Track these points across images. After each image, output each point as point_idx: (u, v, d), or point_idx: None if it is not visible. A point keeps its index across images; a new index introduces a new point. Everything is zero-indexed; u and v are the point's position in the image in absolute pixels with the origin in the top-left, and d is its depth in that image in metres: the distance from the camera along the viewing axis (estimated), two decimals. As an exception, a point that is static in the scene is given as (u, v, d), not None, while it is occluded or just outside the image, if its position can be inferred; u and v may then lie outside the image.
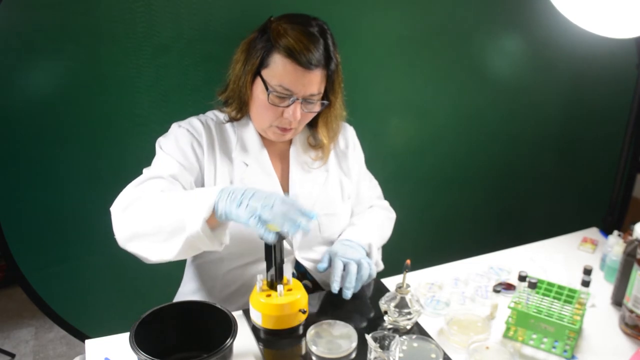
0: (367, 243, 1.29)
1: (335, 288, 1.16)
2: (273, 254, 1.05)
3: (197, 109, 1.29)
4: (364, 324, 1.13)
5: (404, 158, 1.86)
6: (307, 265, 1.29)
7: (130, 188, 1.11)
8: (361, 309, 1.19)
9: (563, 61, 1.92)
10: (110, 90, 1.42)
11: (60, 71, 1.38)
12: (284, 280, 1.08)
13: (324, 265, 1.21)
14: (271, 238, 0.95)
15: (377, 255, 1.33)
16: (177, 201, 1.01)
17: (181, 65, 1.44)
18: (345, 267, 1.18)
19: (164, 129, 1.24)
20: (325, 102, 1.20)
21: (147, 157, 1.21)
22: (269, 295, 1.06)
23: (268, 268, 1.07)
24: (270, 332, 1.07)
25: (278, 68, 1.12)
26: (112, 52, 1.38)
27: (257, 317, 1.07)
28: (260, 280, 1.08)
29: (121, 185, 1.13)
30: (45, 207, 1.48)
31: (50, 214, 1.49)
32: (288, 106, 1.15)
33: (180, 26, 1.40)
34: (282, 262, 1.07)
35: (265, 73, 1.14)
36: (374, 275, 1.23)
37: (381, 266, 1.33)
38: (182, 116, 1.26)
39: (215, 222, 0.99)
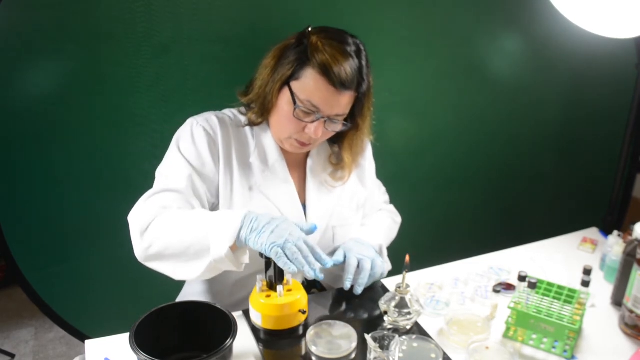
0: (378, 244, 1.29)
1: (347, 285, 1.17)
2: None
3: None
4: (364, 324, 1.13)
5: (404, 158, 1.86)
6: None
7: (146, 200, 1.10)
8: (361, 309, 1.19)
9: (563, 61, 1.92)
10: (110, 90, 1.42)
11: (60, 71, 1.37)
12: (284, 281, 1.08)
13: (340, 259, 1.20)
14: (293, 269, 0.99)
15: (386, 256, 1.34)
16: (201, 225, 1.03)
17: (181, 65, 1.44)
18: (359, 264, 1.19)
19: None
20: (348, 124, 1.18)
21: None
22: (268, 296, 1.06)
23: (267, 269, 1.08)
24: (270, 333, 1.07)
25: (310, 83, 1.09)
26: (112, 52, 1.38)
27: (257, 318, 1.07)
28: (260, 280, 1.08)
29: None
30: (45, 207, 1.47)
31: (50, 214, 1.48)
32: (312, 122, 1.13)
33: (180, 26, 1.40)
34: None
35: (294, 85, 1.11)
36: (385, 274, 1.24)
37: (390, 266, 1.34)
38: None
39: (236, 246, 1.02)
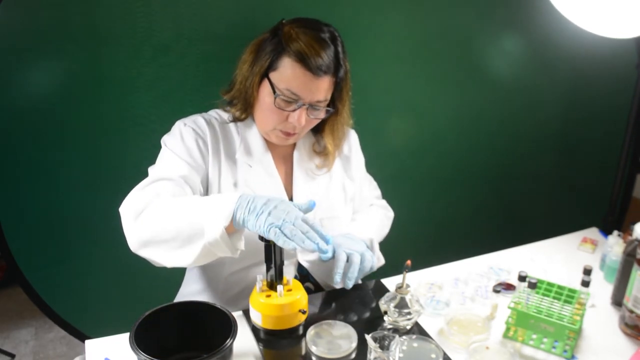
0: (369, 238, 1.29)
1: (337, 279, 1.16)
2: (273, 255, 1.05)
3: (197, 109, 1.29)
4: (364, 324, 1.13)
5: (404, 158, 1.86)
6: (310, 267, 1.29)
7: (139, 190, 1.10)
8: (361, 309, 1.19)
9: (563, 61, 1.92)
10: (110, 91, 1.42)
11: (61, 71, 1.38)
12: (284, 281, 1.08)
13: (328, 255, 1.20)
14: (291, 246, 0.96)
15: (378, 250, 1.34)
16: (194, 207, 1.02)
17: (181, 65, 1.44)
18: (348, 259, 1.18)
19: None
20: (331, 109, 1.20)
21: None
22: (268, 296, 1.06)
23: (268, 269, 1.08)
24: (270, 332, 1.07)
25: (287, 72, 1.11)
26: (112, 52, 1.38)
27: (257, 318, 1.07)
28: (260, 280, 1.08)
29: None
30: (45, 207, 1.48)
31: (50, 214, 1.48)
32: (294, 111, 1.14)
33: (180, 26, 1.40)
34: (282, 263, 1.07)
35: (273, 76, 1.13)
36: (375, 268, 1.24)
37: (382, 261, 1.34)
38: (182, 116, 1.26)
39: (232, 228, 1.00)
